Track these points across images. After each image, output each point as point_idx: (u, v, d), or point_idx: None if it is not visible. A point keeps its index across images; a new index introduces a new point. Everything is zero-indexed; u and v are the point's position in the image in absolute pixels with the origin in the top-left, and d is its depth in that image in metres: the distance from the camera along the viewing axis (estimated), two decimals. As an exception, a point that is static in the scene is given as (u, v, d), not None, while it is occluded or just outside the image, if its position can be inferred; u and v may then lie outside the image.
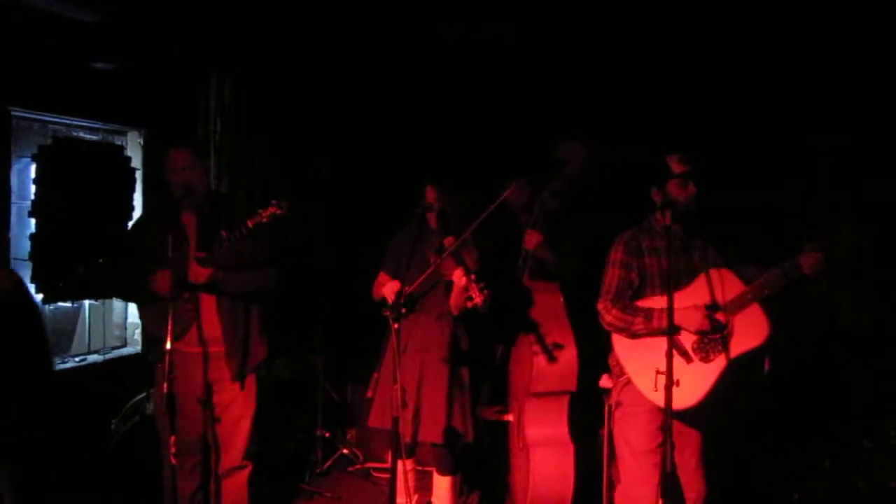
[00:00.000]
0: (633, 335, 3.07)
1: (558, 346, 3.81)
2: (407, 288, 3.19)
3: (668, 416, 2.69)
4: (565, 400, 3.85)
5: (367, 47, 5.23)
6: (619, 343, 3.14)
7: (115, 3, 4.32)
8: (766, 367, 3.10)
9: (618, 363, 3.17)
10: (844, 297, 4.42)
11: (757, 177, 4.64)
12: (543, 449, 3.81)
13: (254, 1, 4.70)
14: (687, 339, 2.99)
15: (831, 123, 4.35)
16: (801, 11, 4.15)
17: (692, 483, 3.10)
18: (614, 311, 3.08)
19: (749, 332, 2.93)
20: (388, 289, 3.53)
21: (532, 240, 3.96)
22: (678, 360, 2.96)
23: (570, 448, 3.80)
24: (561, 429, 3.81)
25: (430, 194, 3.68)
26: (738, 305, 2.94)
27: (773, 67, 4.51)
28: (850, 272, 4.34)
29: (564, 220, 4.07)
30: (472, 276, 3.18)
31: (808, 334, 4.34)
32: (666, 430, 2.73)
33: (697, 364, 2.97)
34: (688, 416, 2.98)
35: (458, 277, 3.35)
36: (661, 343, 2.94)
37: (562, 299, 3.95)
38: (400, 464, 3.26)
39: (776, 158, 4.64)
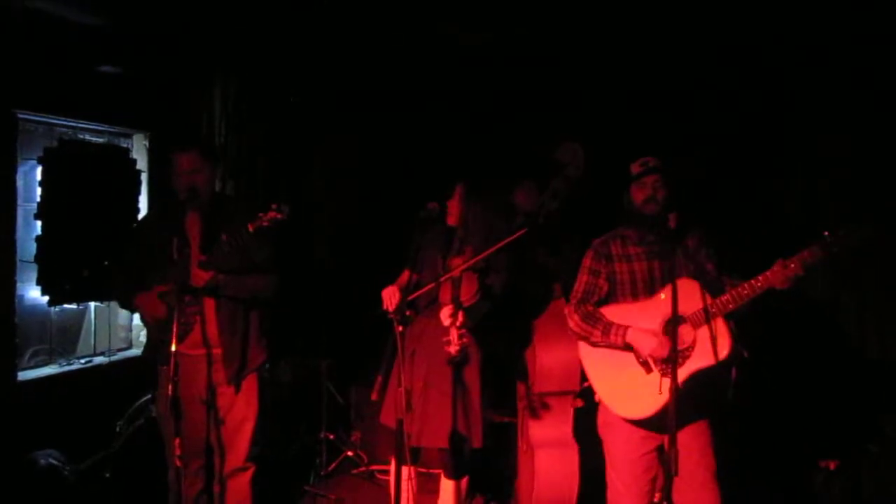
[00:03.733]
0: (593, 344, 3.06)
1: (561, 347, 3.81)
2: (410, 296, 3.21)
3: (673, 421, 2.61)
4: (569, 401, 3.85)
5: (370, 50, 5.24)
6: (582, 347, 3.13)
7: (120, 6, 4.34)
8: (733, 377, 3.00)
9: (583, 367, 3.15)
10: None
11: (757, 177, 4.65)
12: (548, 450, 3.80)
13: (259, 4, 4.72)
14: None
15: (832, 124, 4.36)
16: (803, 11, 4.16)
17: (697, 501, 2.96)
18: (576, 317, 3.07)
19: (711, 347, 2.83)
20: (387, 293, 3.52)
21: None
22: (637, 370, 2.95)
23: (575, 449, 3.79)
24: (565, 430, 3.80)
25: (457, 193, 3.66)
26: (702, 319, 2.85)
27: (774, 68, 4.52)
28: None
29: (564, 223, 4.07)
30: (458, 321, 3.17)
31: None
32: (669, 435, 2.63)
33: (657, 375, 2.90)
34: (656, 423, 2.89)
35: (444, 316, 3.31)
36: (620, 352, 2.97)
37: (563, 300, 3.95)
38: (403, 470, 3.25)
39: (777, 159, 4.65)
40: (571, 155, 4.00)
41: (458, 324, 3.16)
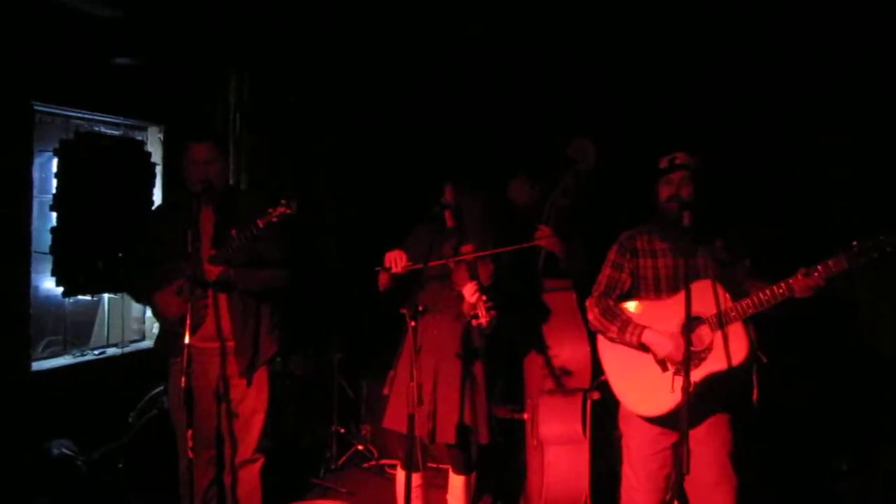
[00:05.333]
0: (610, 339, 3.04)
1: (571, 343, 3.80)
2: (412, 265, 3.21)
3: (684, 421, 2.61)
4: (579, 397, 3.84)
5: (384, 46, 5.25)
6: (601, 341, 3.11)
7: (136, -1, 4.36)
8: (755, 397, 2.96)
9: (600, 360, 3.13)
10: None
11: (760, 176, 4.64)
12: (557, 447, 3.78)
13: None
14: None
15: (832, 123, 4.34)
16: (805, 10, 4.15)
17: (709, 500, 2.93)
18: (596, 311, 3.05)
19: (728, 351, 2.80)
20: (392, 255, 3.31)
21: (546, 239, 3.95)
22: (654, 368, 2.92)
23: (585, 445, 3.78)
24: (575, 426, 3.78)
25: (448, 193, 3.66)
26: (721, 321, 2.82)
27: (775, 68, 4.50)
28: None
29: (574, 218, 4.06)
30: (483, 297, 3.15)
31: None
32: (680, 434, 2.63)
33: (672, 375, 2.86)
34: (671, 421, 2.86)
35: (469, 293, 3.27)
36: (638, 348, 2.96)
37: (574, 296, 3.93)
38: (414, 476, 3.24)
39: (779, 157, 4.63)
40: (584, 151, 3.98)
41: (483, 298, 3.15)
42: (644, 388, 2.95)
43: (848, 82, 4.26)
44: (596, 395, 3.72)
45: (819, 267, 2.68)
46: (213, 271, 3.21)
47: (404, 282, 3.40)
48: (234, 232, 3.12)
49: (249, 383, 3.46)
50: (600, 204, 4.25)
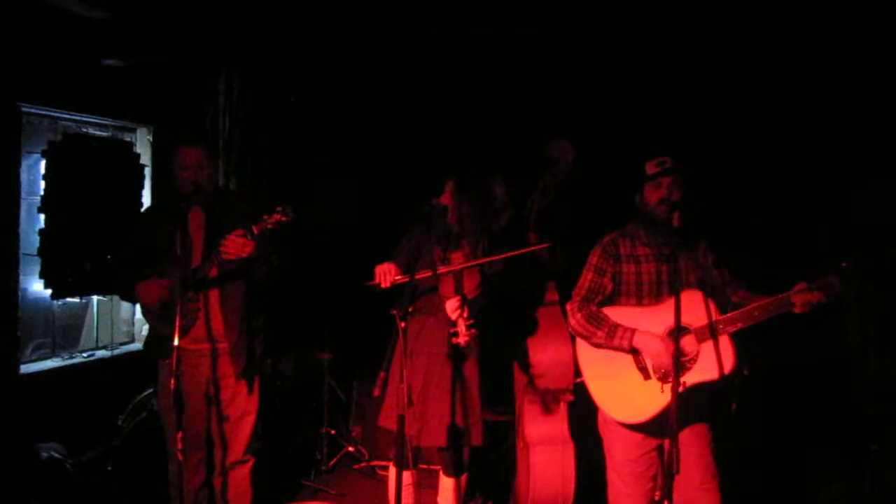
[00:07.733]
0: (595, 345, 2.99)
1: (555, 344, 3.80)
2: (400, 278, 3.19)
3: (675, 419, 2.60)
4: (564, 398, 3.84)
5: (373, 46, 5.25)
6: (580, 346, 3.07)
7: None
8: (734, 407, 2.97)
9: (577, 364, 3.10)
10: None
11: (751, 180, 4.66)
12: (543, 448, 3.79)
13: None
14: None
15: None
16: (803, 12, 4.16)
17: (696, 499, 2.92)
18: (579, 316, 3.00)
19: (714, 363, 2.80)
20: (381, 269, 3.30)
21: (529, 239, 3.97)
22: (635, 375, 2.91)
23: (571, 446, 3.79)
24: (561, 427, 3.79)
25: (447, 191, 3.65)
26: (707, 333, 2.82)
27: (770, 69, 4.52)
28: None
29: (554, 218, 4.06)
30: (465, 314, 3.13)
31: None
32: (661, 438, 2.64)
33: (654, 383, 2.87)
34: (652, 427, 2.87)
35: (450, 309, 3.25)
36: (619, 355, 2.93)
37: (557, 297, 3.95)
38: (405, 475, 3.23)
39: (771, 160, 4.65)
40: (561, 151, 3.99)
41: (465, 315, 3.13)
42: (624, 395, 2.94)
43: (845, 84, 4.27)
44: (570, 398, 3.72)
45: (817, 283, 2.68)
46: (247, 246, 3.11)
47: (401, 284, 3.36)
48: (241, 230, 3.07)
49: (250, 387, 3.46)
50: (579, 205, 4.26)
